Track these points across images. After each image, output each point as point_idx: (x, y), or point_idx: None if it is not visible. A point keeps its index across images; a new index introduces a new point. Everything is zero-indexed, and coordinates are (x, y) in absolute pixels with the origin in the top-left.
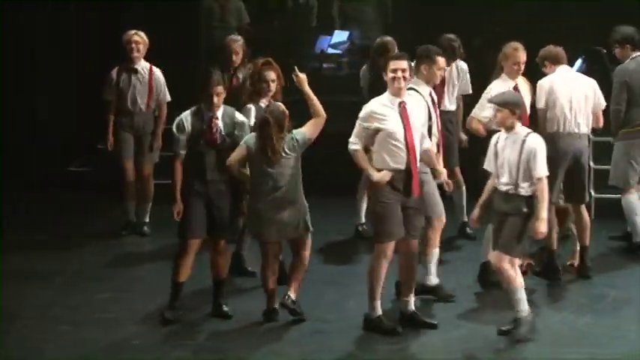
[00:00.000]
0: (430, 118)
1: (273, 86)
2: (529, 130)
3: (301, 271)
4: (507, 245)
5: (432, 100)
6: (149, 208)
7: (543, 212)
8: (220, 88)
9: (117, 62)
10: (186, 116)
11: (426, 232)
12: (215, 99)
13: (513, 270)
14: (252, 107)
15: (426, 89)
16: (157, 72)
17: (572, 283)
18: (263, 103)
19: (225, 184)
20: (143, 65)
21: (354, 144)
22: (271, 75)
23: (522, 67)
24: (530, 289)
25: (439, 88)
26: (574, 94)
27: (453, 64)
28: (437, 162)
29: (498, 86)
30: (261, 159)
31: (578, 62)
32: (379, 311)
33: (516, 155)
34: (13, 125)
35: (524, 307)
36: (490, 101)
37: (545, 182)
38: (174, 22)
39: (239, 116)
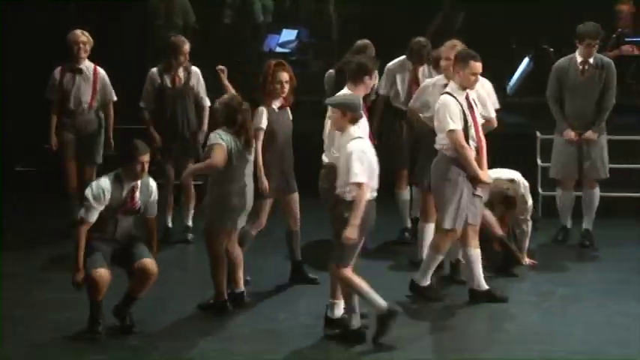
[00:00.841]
0: (466, 122)
1: (286, 87)
2: (357, 135)
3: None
4: (335, 255)
5: (469, 104)
6: None
7: (354, 219)
8: (147, 157)
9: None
10: (106, 187)
11: (435, 237)
12: (144, 168)
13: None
14: (264, 110)
15: (461, 93)
16: (102, 72)
17: (520, 281)
18: (275, 105)
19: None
20: (87, 65)
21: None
22: (284, 76)
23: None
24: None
25: (413, 90)
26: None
27: (425, 67)
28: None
29: (431, 81)
30: (241, 151)
31: (526, 60)
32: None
33: (340, 158)
34: None
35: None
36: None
37: (362, 189)
38: None
39: (152, 183)
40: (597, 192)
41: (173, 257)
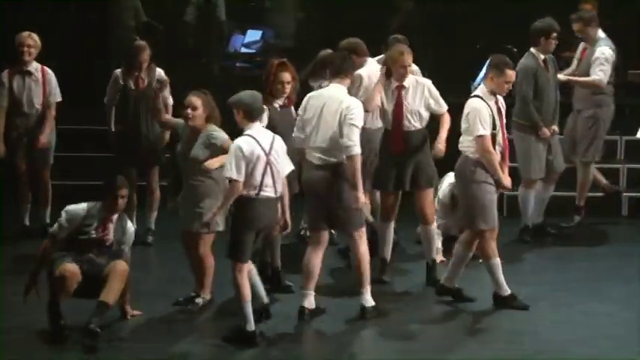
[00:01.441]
0: (494, 127)
1: (288, 87)
2: (247, 132)
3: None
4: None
5: (498, 109)
6: (49, 211)
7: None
8: (125, 191)
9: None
10: (82, 209)
11: (481, 245)
12: (120, 202)
13: (243, 278)
14: (265, 109)
15: (491, 98)
16: (49, 72)
17: (484, 280)
18: (277, 104)
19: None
20: (35, 66)
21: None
22: (287, 76)
23: (409, 70)
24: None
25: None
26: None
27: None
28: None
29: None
30: None
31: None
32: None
33: None
34: None
35: (249, 322)
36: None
37: (231, 184)
38: None
39: (130, 227)
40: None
41: (135, 259)
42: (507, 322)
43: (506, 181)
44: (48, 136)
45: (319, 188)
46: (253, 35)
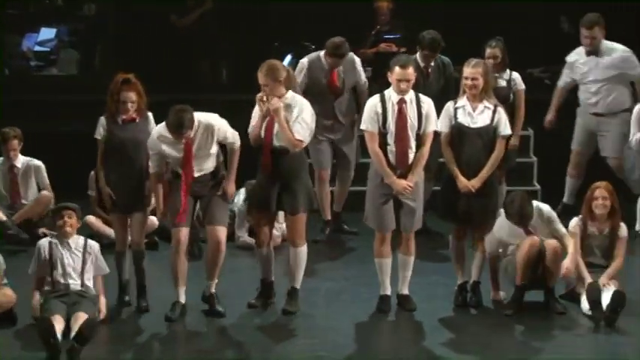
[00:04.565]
0: (385, 126)
1: (131, 107)
2: None
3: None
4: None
5: (400, 110)
6: None
7: None
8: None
9: None
10: None
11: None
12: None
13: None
14: (101, 120)
15: (395, 97)
16: None
17: (284, 277)
18: (120, 118)
19: None
20: None
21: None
22: (130, 96)
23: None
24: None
25: None
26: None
27: None
28: None
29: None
30: None
31: (288, 57)
32: None
33: None
34: None
35: None
36: None
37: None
38: None
39: None
40: None
41: None
42: (308, 318)
43: (397, 185)
44: None
45: None
46: (47, 33)
